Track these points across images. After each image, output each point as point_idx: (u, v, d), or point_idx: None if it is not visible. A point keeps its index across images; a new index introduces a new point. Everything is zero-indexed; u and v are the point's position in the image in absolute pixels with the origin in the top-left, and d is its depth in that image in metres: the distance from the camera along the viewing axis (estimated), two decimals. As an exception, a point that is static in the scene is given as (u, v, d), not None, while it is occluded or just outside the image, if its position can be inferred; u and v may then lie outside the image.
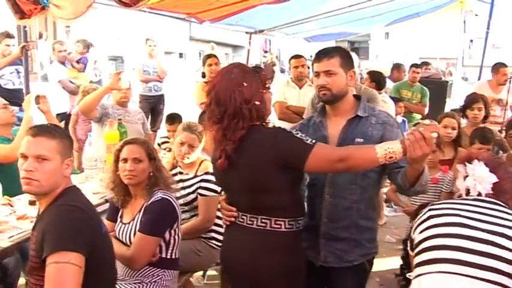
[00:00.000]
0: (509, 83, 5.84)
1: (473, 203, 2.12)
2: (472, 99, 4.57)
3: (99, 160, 3.97)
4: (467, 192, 2.19)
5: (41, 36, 9.48)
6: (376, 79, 5.76)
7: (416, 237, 2.14)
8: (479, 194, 2.14)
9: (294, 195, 2.28)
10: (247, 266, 2.24)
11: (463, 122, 4.54)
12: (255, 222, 2.23)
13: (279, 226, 2.21)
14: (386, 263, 4.48)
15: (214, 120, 2.20)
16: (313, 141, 2.14)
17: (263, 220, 2.22)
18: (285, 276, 2.22)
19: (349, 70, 2.43)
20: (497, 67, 6.52)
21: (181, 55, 27.38)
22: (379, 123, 2.41)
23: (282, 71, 27.48)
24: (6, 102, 3.89)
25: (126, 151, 2.79)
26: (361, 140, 2.35)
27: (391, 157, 2.03)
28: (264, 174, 2.14)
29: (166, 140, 4.96)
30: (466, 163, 2.21)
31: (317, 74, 2.41)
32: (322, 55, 2.41)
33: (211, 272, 4.21)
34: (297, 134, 2.19)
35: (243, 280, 2.30)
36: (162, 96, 7.98)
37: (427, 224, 2.12)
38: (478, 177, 2.14)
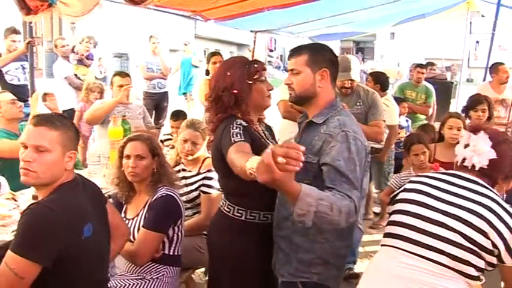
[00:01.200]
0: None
1: (450, 179, 2.12)
2: (476, 101, 4.54)
3: (103, 156, 3.98)
4: (463, 160, 2.16)
5: None
6: (381, 81, 5.73)
7: (390, 208, 2.28)
8: (473, 166, 2.10)
9: (243, 185, 2.03)
10: (208, 242, 2.63)
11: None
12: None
13: (228, 210, 2.42)
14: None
15: (208, 104, 2.44)
16: (235, 140, 2.17)
17: (224, 201, 2.47)
18: (230, 258, 2.39)
19: (318, 69, 2.18)
20: (496, 66, 6.52)
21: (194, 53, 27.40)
22: (325, 133, 2.09)
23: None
24: (14, 97, 3.92)
25: (129, 148, 2.80)
26: (303, 149, 2.03)
27: (251, 173, 1.79)
28: (215, 159, 2.41)
29: (169, 137, 4.97)
30: (471, 133, 2.16)
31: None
32: (292, 52, 2.27)
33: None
34: (237, 129, 2.23)
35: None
36: (166, 93, 8.01)
37: (398, 197, 2.23)
38: (478, 149, 2.10)
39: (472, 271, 1.96)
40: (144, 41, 8.92)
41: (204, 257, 3.40)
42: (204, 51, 30.54)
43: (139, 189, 2.83)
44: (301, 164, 1.60)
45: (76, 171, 3.83)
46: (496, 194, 2.03)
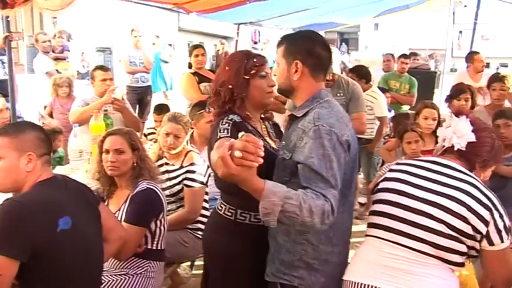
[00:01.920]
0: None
1: (429, 166, 2.12)
2: (459, 90, 4.58)
3: (85, 151, 3.93)
4: (443, 140, 2.19)
5: None
6: (363, 75, 5.71)
7: (372, 197, 2.27)
8: (452, 147, 2.13)
9: (231, 183, 1.76)
10: (202, 239, 2.56)
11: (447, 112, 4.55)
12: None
13: (220, 208, 2.36)
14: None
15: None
16: (220, 135, 2.12)
17: (220, 199, 2.42)
18: (220, 257, 2.32)
19: (292, 61, 2.05)
20: (472, 56, 6.60)
21: (170, 46, 27.22)
22: (300, 128, 1.97)
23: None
24: None
25: (108, 142, 2.78)
26: (283, 143, 2.09)
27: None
28: (209, 155, 2.24)
29: (152, 131, 4.94)
30: (453, 115, 2.20)
31: None
32: (277, 42, 2.17)
33: (198, 263, 4.20)
34: (226, 125, 2.18)
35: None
36: (149, 87, 7.96)
37: (379, 186, 2.22)
38: (458, 130, 2.13)
39: (455, 258, 1.97)
40: (127, 35, 8.84)
41: (189, 251, 3.40)
42: (188, 44, 30.41)
43: (120, 184, 2.80)
44: (260, 160, 1.55)
45: (59, 167, 3.86)
46: (475, 178, 2.03)
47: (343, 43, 39.52)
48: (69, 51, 7.43)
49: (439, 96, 8.16)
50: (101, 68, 4.79)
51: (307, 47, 2.06)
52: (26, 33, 12.35)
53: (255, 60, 2.28)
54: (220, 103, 2.30)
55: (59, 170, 3.70)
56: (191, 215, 3.33)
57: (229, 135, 2.12)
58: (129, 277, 2.69)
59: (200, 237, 3.37)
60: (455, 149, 2.12)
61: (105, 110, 4.21)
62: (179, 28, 26.65)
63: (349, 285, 2.06)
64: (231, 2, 6.24)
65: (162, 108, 4.92)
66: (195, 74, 5.35)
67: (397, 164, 2.31)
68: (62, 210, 2.03)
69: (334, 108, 2.04)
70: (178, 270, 3.74)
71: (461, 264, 2.02)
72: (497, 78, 4.46)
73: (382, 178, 2.25)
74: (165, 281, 3.18)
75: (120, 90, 4.41)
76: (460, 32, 26.97)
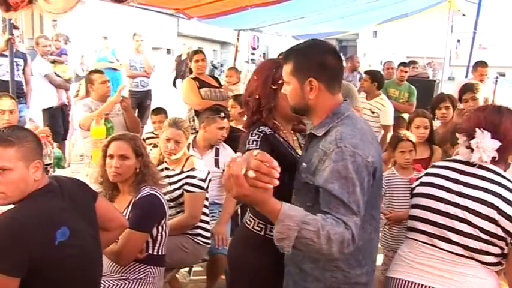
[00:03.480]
0: (495, 83, 5.88)
1: (461, 168, 2.17)
2: (438, 99, 4.57)
3: (86, 155, 3.93)
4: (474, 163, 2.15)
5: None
6: (377, 79, 5.77)
7: (411, 201, 2.33)
8: (486, 162, 2.10)
9: None
10: (228, 251, 2.49)
11: (437, 122, 4.56)
12: None
13: (249, 223, 2.28)
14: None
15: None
16: (248, 147, 2.05)
17: (248, 212, 2.32)
18: (246, 272, 2.26)
19: (305, 80, 1.87)
20: (476, 67, 6.60)
21: (169, 51, 27.30)
22: (321, 149, 1.83)
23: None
24: None
25: (113, 147, 2.77)
26: (304, 165, 1.93)
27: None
28: None
29: (151, 135, 4.94)
30: (466, 137, 2.13)
31: None
32: (282, 58, 2.02)
33: (196, 268, 4.21)
34: (255, 136, 2.12)
35: None
36: (149, 91, 7.96)
37: (415, 191, 2.31)
38: (482, 147, 2.07)
39: (488, 259, 2.03)
40: (127, 39, 8.85)
41: (189, 256, 3.39)
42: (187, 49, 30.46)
43: (123, 189, 2.80)
44: (276, 182, 1.47)
45: (58, 170, 3.85)
46: (505, 178, 2.08)
47: (342, 51, 39.65)
48: (66, 54, 7.42)
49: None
50: (98, 71, 4.82)
51: (319, 60, 1.87)
52: (26, 36, 12.37)
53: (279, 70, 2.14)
54: (249, 113, 2.24)
55: (60, 173, 3.69)
56: (191, 220, 3.33)
57: (257, 146, 2.05)
58: (129, 282, 2.69)
59: (200, 242, 3.39)
60: (489, 162, 2.09)
61: (106, 114, 4.22)
62: (178, 33, 26.74)
63: (392, 282, 2.20)
64: (232, 7, 6.28)
65: (159, 110, 4.97)
66: (195, 79, 5.35)
67: (433, 167, 2.37)
68: (59, 221, 1.99)
69: (357, 124, 1.87)
70: (177, 275, 3.74)
71: (498, 264, 2.07)
72: (467, 89, 4.37)
73: (418, 183, 2.32)
74: (163, 286, 3.18)
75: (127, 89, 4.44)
76: (458, 40, 27.10)
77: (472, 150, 2.10)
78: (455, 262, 2.06)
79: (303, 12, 7.46)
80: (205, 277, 3.85)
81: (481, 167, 2.11)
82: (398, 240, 3.36)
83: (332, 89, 1.90)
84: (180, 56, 11.82)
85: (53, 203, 2.03)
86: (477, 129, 2.09)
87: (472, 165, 2.13)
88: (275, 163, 1.47)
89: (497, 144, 2.06)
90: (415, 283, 2.12)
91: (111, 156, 2.75)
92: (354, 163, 1.73)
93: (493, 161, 2.10)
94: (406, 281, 2.15)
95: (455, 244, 2.06)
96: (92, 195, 2.32)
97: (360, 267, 1.91)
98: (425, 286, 2.09)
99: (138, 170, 2.76)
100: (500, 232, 1.99)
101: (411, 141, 3.69)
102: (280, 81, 2.08)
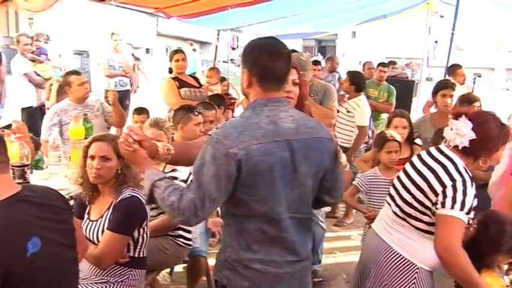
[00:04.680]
0: (474, 83, 5.96)
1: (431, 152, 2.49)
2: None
3: (64, 156, 3.86)
4: (449, 141, 2.45)
5: None
6: (356, 82, 5.75)
7: None
8: (457, 146, 2.37)
9: None
10: None
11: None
12: None
13: None
14: (353, 261, 4.51)
15: None
16: None
17: None
18: None
19: (243, 69, 2.08)
20: (454, 69, 6.68)
21: (148, 50, 27.08)
22: None
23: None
24: None
25: (94, 148, 2.71)
26: (132, 133, 2.18)
27: None
28: None
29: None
30: (453, 119, 2.40)
31: None
32: None
33: (177, 270, 4.17)
34: None
35: None
36: (127, 91, 7.88)
37: None
38: (460, 132, 2.35)
39: (419, 225, 2.39)
40: (105, 38, 8.76)
41: (170, 258, 3.36)
42: (166, 48, 30.26)
43: (103, 190, 2.74)
44: (135, 146, 2.06)
45: (36, 171, 3.78)
46: (452, 161, 2.35)
47: (320, 51, 39.89)
48: (46, 54, 7.31)
49: (416, 105, 8.25)
50: (75, 72, 4.76)
51: (253, 57, 2.05)
52: (1, 34, 12.15)
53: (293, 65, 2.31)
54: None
55: (38, 175, 3.63)
56: (172, 221, 3.29)
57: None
58: (110, 285, 2.65)
59: (181, 244, 3.37)
60: (460, 148, 2.37)
61: (85, 115, 4.16)
62: (158, 33, 26.56)
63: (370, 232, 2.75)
64: (212, 7, 6.26)
65: (142, 109, 4.93)
66: (175, 78, 5.32)
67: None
68: (29, 232, 1.85)
69: (253, 119, 1.98)
70: (158, 277, 3.70)
71: (430, 232, 2.37)
72: (447, 85, 4.35)
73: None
74: (145, 288, 3.15)
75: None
76: (436, 42, 27.45)
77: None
78: (395, 221, 2.49)
79: (283, 12, 7.48)
80: (185, 278, 3.82)
81: (443, 153, 2.41)
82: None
83: (264, 85, 2.03)
84: None
85: (20, 213, 1.87)
86: (463, 116, 2.37)
87: (439, 150, 2.44)
88: (132, 132, 2.05)
89: (472, 135, 2.32)
90: (375, 231, 2.62)
91: (92, 157, 2.69)
92: (215, 150, 1.89)
93: (463, 151, 2.37)
94: (372, 228, 2.71)
95: (397, 206, 2.47)
96: (69, 209, 2.21)
97: (250, 252, 2.02)
98: (378, 234, 2.57)
99: (119, 171, 2.72)
100: (427, 202, 2.33)
101: (397, 141, 3.71)
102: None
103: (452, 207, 2.24)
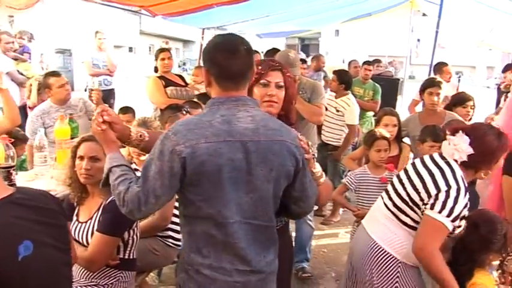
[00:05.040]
0: (459, 81, 6.00)
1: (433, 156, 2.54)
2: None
3: (49, 157, 3.80)
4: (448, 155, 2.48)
5: None
6: (345, 81, 5.75)
7: None
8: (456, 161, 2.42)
9: None
10: None
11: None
12: None
13: None
14: (341, 259, 4.53)
15: None
16: None
17: None
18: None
19: (204, 67, 2.04)
20: (440, 67, 6.73)
21: (131, 49, 26.93)
22: None
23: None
24: None
25: (84, 149, 2.66)
26: (104, 112, 2.15)
27: None
28: None
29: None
30: (451, 135, 2.46)
31: None
32: None
33: (165, 270, 4.14)
34: None
35: None
36: (112, 90, 7.77)
37: None
38: (458, 147, 2.40)
39: (406, 220, 2.46)
40: (88, 37, 8.67)
41: (159, 259, 3.34)
42: (149, 47, 30.11)
43: (93, 191, 2.69)
44: (103, 127, 2.01)
45: (21, 172, 3.72)
46: (450, 168, 2.39)
47: (302, 51, 40.02)
48: (29, 53, 7.20)
49: (401, 103, 8.29)
50: (54, 74, 4.70)
51: (209, 56, 1.98)
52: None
53: (259, 67, 2.24)
54: None
55: (23, 176, 3.57)
56: (162, 222, 3.26)
57: None
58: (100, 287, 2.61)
59: (171, 245, 3.34)
60: (459, 163, 2.40)
61: (71, 114, 4.11)
62: (141, 31, 26.40)
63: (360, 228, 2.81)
64: (197, 6, 6.22)
65: (127, 108, 4.91)
66: (161, 77, 5.26)
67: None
68: (21, 235, 1.79)
69: (206, 117, 1.92)
70: (146, 279, 3.66)
71: (414, 228, 2.44)
72: (434, 83, 4.36)
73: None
74: (134, 290, 3.11)
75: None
76: (418, 40, 27.68)
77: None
78: (384, 214, 2.56)
79: (267, 10, 7.47)
80: (174, 279, 3.79)
81: (444, 159, 2.44)
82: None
83: (222, 84, 1.96)
84: None
85: (10, 215, 1.80)
86: (460, 131, 2.43)
87: (442, 157, 2.47)
88: (106, 113, 2.01)
89: (470, 150, 2.37)
90: (364, 227, 2.71)
91: (82, 158, 2.64)
92: (163, 146, 1.86)
93: (463, 164, 2.41)
94: (361, 225, 2.79)
95: (390, 199, 2.55)
96: (63, 212, 2.17)
97: (200, 256, 1.94)
98: (366, 230, 2.66)
99: (109, 172, 2.67)
100: (417, 199, 2.40)
101: (387, 139, 3.71)
102: (254, 78, 2.16)
103: (439, 212, 2.30)
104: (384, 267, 2.51)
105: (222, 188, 1.86)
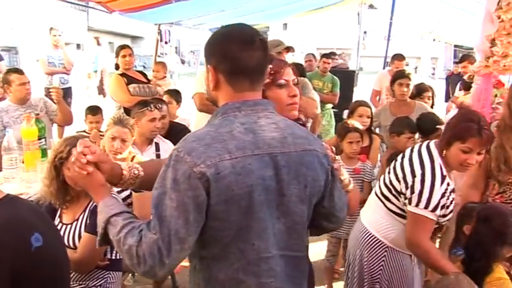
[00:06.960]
0: (415, 72, 6.19)
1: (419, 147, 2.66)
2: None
3: (19, 159, 3.67)
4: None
5: None
6: (304, 75, 5.85)
7: None
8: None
9: None
10: None
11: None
12: None
13: None
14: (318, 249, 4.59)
15: None
16: None
17: None
18: None
19: (208, 65, 1.61)
20: (393, 59, 6.94)
21: (78, 46, 26.19)
22: None
23: (183, 62, 27.29)
24: None
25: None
26: (85, 151, 1.68)
27: None
28: None
29: (84, 134, 4.72)
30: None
31: None
32: None
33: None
34: None
35: None
36: (69, 89, 7.61)
37: None
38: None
39: (391, 207, 2.62)
40: (35, 34, 8.41)
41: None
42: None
43: (77, 193, 2.62)
44: (89, 169, 1.57)
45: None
46: (430, 158, 2.50)
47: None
48: None
49: (357, 94, 8.47)
50: (16, 71, 4.54)
51: (219, 48, 1.59)
52: None
53: (270, 66, 1.83)
54: None
55: (-8, 180, 3.46)
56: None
57: None
58: (89, 289, 2.58)
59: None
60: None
61: (37, 114, 3.99)
62: (89, 27, 25.73)
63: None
64: (156, 1, 6.15)
65: (97, 109, 4.81)
66: (123, 75, 5.18)
67: None
68: (31, 227, 1.81)
69: (224, 128, 1.51)
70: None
71: (400, 215, 2.60)
72: (403, 74, 4.50)
73: None
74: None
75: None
76: (365, 32, 28.25)
77: None
78: (374, 201, 2.74)
79: (223, 5, 7.47)
80: (150, 279, 3.77)
81: (428, 148, 2.57)
82: (341, 227, 3.44)
83: (235, 83, 1.57)
84: None
85: (21, 209, 1.87)
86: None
87: (427, 147, 2.60)
88: (89, 150, 1.56)
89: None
90: (359, 215, 2.90)
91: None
92: (175, 171, 1.44)
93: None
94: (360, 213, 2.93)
95: (379, 187, 2.73)
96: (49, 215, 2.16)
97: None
98: (359, 211, 2.90)
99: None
100: (398, 188, 2.55)
101: (359, 131, 3.80)
102: (267, 81, 1.82)
103: (417, 205, 2.43)
104: (371, 251, 2.70)
105: (255, 214, 1.49)
